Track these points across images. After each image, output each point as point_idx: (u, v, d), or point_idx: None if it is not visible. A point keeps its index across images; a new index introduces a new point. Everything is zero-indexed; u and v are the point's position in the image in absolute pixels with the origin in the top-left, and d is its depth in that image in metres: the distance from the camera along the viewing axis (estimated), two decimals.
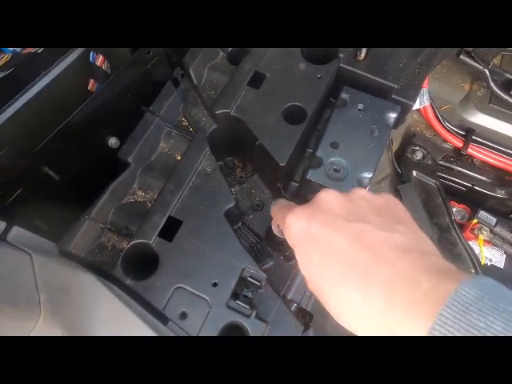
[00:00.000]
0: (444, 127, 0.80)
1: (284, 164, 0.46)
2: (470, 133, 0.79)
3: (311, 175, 0.47)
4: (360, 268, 0.25)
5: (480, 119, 0.80)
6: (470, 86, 0.83)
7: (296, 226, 0.29)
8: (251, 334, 0.39)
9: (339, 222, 0.28)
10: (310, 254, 0.28)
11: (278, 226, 0.37)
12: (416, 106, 0.78)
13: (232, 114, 0.48)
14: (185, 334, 0.39)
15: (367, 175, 0.47)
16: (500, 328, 0.19)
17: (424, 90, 0.77)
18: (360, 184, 0.47)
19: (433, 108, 0.79)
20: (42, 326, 0.32)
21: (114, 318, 0.36)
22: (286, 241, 0.37)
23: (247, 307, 0.40)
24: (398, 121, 0.54)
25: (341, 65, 0.52)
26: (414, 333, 0.22)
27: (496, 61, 0.79)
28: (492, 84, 0.75)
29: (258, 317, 0.40)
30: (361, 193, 0.31)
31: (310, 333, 0.61)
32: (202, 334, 0.39)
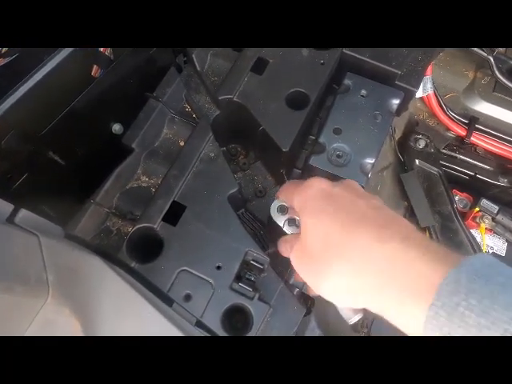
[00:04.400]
0: (447, 115, 0.79)
1: (287, 149, 0.46)
2: (473, 121, 0.78)
3: (314, 161, 0.47)
4: (376, 221, 0.27)
5: (484, 107, 0.80)
6: (474, 73, 0.82)
7: (319, 184, 0.31)
8: (254, 315, 0.40)
9: (361, 193, 0.30)
10: (326, 206, 0.29)
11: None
12: (419, 93, 0.78)
13: (235, 99, 0.48)
14: (189, 316, 0.40)
15: (370, 161, 0.47)
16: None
17: (428, 77, 0.76)
18: (362, 169, 0.47)
19: (436, 96, 0.78)
20: (51, 305, 0.33)
21: (119, 298, 0.37)
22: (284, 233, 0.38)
23: (250, 290, 0.41)
24: (401, 107, 0.54)
25: (344, 51, 0.52)
26: (429, 274, 0.22)
27: (501, 48, 0.78)
28: (497, 71, 0.74)
29: (260, 299, 0.41)
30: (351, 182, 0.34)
31: (312, 318, 0.62)
32: (206, 315, 0.40)
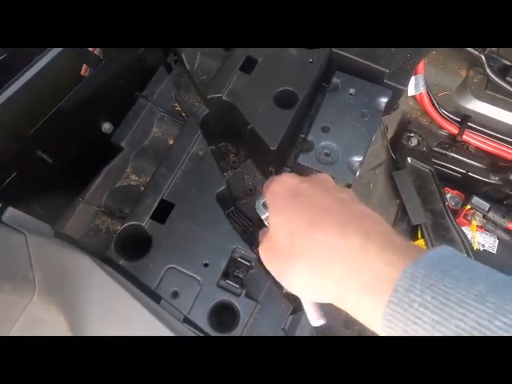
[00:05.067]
0: (440, 114, 0.79)
1: (275, 148, 0.47)
2: (465, 119, 0.79)
3: (302, 159, 0.48)
4: (341, 216, 0.27)
5: (476, 105, 0.80)
6: (466, 72, 0.82)
7: (285, 180, 0.31)
8: (241, 311, 0.41)
9: (328, 187, 0.30)
10: (291, 202, 0.29)
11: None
12: (412, 92, 0.78)
13: (224, 98, 0.49)
14: (176, 312, 0.40)
15: (357, 159, 0.48)
16: (483, 270, 0.21)
17: (420, 76, 0.77)
18: (350, 168, 0.48)
19: (429, 95, 0.79)
20: (37, 303, 0.33)
21: (107, 295, 0.37)
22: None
23: (237, 286, 0.41)
24: (390, 105, 0.54)
25: (333, 49, 0.52)
26: (387, 271, 0.23)
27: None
28: (488, 70, 0.74)
29: (248, 296, 0.42)
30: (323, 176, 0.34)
31: (304, 315, 0.62)
32: (194, 311, 0.40)
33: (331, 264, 0.25)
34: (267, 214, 0.38)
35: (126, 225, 0.43)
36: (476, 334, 0.18)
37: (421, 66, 0.76)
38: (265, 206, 0.38)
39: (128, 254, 0.43)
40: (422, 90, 0.78)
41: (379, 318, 0.22)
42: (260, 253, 0.33)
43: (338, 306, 0.26)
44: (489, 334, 0.18)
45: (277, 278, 0.30)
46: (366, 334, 0.70)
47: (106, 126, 0.51)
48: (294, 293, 0.29)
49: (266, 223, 0.38)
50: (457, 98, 0.82)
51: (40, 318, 0.34)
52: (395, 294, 0.21)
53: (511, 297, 0.19)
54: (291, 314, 0.44)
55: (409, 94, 0.79)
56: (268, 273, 0.45)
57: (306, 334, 0.65)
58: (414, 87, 0.78)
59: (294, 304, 0.45)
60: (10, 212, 0.36)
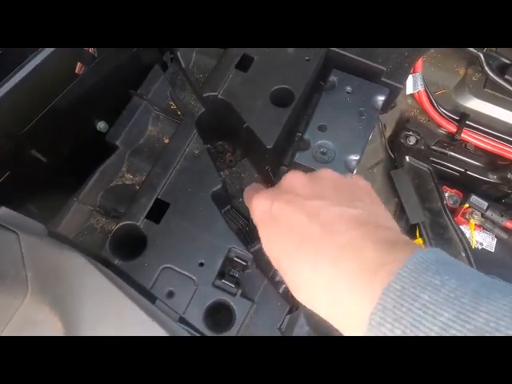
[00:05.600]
0: (438, 112, 0.79)
1: (271, 146, 0.46)
2: (463, 118, 0.78)
3: (298, 158, 0.47)
4: (312, 240, 0.26)
5: (474, 104, 0.79)
6: (465, 70, 0.82)
7: (259, 206, 0.31)
8: (237, 311, 0.40)
9: (298, 200, 0.29)
10: (271, 232, 0.29)
11: None
12: (410, 90, 0.77)
13: (219, 97, 0.48)
14: (172, 312, 0.40)
15: (354, 157, 0.47)
16: (454, 284, 0.20)
17: (418, 74, 0.76)
18: (347, 166, 0.47)
19: (427, 93, 0.78)
20: (30, 303, 0.33)
21: (101, 295, 0.37)
22: None
23: (233, 286, 0.41)
24: (387, 104, 0.54)
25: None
26: (362, 302, 0.22)
27: None
28: (486, 68, 0.74)
29: (243, 295, 0.41)
30: (325, 173, 0.32)
31: (301, 314, 0.62)
32: (189, 311, 0.40)
33: (316, 298, 0.26)
34: None
35: (120, 224, 0.43)
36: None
37: (419, 65, 0.75)
38: None
39: (123, 253, 0.42)
40: (420, 88, 0.77)
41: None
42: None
43: None
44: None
45: None
46: None
47: (101, 125, 0.50)
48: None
49: None
50: (455, 96, 0.82)
51: (33, 319, 0.33)
52: (370, 329, 0.21)
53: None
54: (288, 313, 0.44)
55: (407, 93, 0.78)
56: (264, 272, 0.45)
57: (304, 333, 0.64)
58: (413, 86, 0.78)
59: (291, 303, 0.45)
60: (3, 211, 0.36)
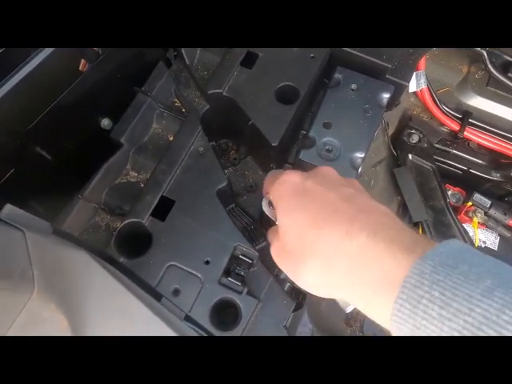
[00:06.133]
0: (441, 110, 0.79)
1: (276, 144, 0.46)
2: (466, 116, 0.78)
3: (303, 155, 0.47)
4: (347, 214, 0.27)
5: (477, 102, 0.79)
6: (467, 68, 0.82)
7: (290, 179, 0.31)
8: (243, 309, 0.40)
9: (333, 184, 0.30)
10: (298, 202, 0.29)
11: (267, 200, 0.37)
12: (413, 88, 0.77)
13: (224, 94, 0.48)
14: (178, 310, 0.40)
15: (359, 155, 0.47)
16: (492, 263, 0.21)
17: (421, 72, 0.76)
18: (352, 164, 0.47)
19: (430, 91, 0.78)
20: (36, 300, 0.33)
21: (107, 293, 0.37)
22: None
23: (239, 284, 0.41)
24: (392, 101, 0.54)
25: None
26: (395, 268, 0.22)
27: None
28: (490, 66, 0.74)
29: (249, 293, 0.41)
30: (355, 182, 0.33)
31: (304, 312, 0.62)
32: (195, 309, 0.40)
33: (339, 263, 0.25)
34: (273, 211, 0.37)
35: (125, 222, 0.42)
36: (484, 328, 0.18)
37: (422, 62, 0.75)
38: (271, 203, 0.37)
39: (128, 251, 0.42)
40: (423, 86, 0.77)
41: (388, 315, 0.22)
42: (272, 254, 0.33)
43: (350, 303, 0.26)
44: (497, 328, 0.18)
45: (290, 277, 0.31)
46: (366, 330, 0.70)
47: (105, 122, 0.50)
48: (308, 291, 0.30)
49: (274, 220, 0.38)
50: (458, 94, 0.81)
51: (39, 316, 0.33)
52: (403, 291, 0.21)
53: None
54: (293, 311, 0.43)
55: (410, 91, 0.78)
56: (270, 270, 0.45)
57: (307, 331, 0.64)
58: (416, 83, 0.77)
59: (296, 301, 0.45)
60: (9, 209, 0.35)
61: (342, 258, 0.25)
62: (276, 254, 0.32)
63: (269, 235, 0.37)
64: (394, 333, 0.22)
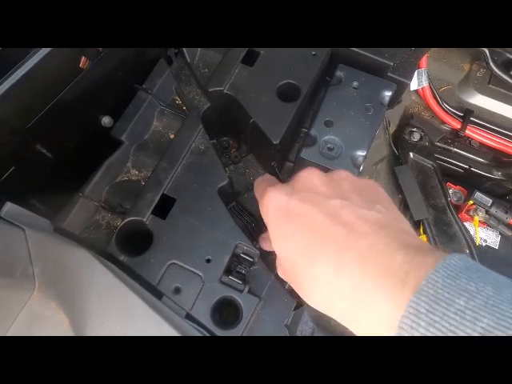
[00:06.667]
0: (442, 108, 0.79)
1: (278, 142, 0.46)
2: (468, 114, 0.78)
3: (305, 154, 0.47)
4: (335, 241, 0.25)
5: (479, 100, 0.79)
6: (469, 66, 0.82)
7: (275, 200, 0.29)
8: (244, 308, 0.40)
9: (318, 198, 0.28)
10: (286, 229, 0.28)
11: None
12: (414, 86, 0.77)
13: (225, 92, 0.48)
14: (178, 309, 0.40)
15: (361, 153, 0.47)
16: (490, 292, 0.19)
17: (423, 70, 0.76)
18: (354, 162, 0.47)
19: (431, 89, 0.78)
20: (37, 298, 0.33)
21: (108, 291, 0.37)
22: None
23: (240, 282, 0.41)
24: (394, 99, 0.54)
25: None
26: (391, 305, 0.22)
27: None
28: (492, 64, 0.74)
29: (250, 292, 0.41)
30: (343, 174, 0.31)
31: (305, 310, 0.62)
32: (196, 307, 0.40)
33: (336, 301, 0.25)
34: None
35: (126, 220, 0.42)
36: None
37: (424, 60, 0.75)
38: None
39: (129, 249, 0.42)
40: (425, 84, 0.77)
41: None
42: (279, 273, 0.33)
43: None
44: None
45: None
46: None
47: (106, 120, 0.50)
48: None
49: None
50: (459, 92, 0.81)
51: (40, 315, 0.33)
52: (401, 333, 0.21)
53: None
54: (294, 309, 0.43)
55: (411, 89, 0.78)
56: (273, 269, 0.45)
57: (308, 329, 0.64)
58: (417, 81, 0.77)
59: (297, 300, 0.45)
60: (9, 207, 0.35)
61: (337, 297, 0.25)
62: (281, 273, 0.33)
63: (260, 243, 0.37)
64: None
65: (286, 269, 0.29)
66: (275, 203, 0.29)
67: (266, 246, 0.39)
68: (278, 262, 0.32)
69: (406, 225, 0.28)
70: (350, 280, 0.24)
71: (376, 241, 0.24)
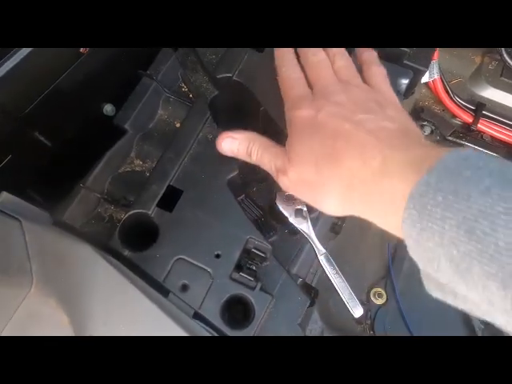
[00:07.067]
0: (453, 102, 0.77)
1: None
2: (480, 107, 0.76)
3: None
4: (360, 143, 0.29)
5: (491, 93, 0.77)
6: (481, 58, 0.80)
7: (303, 112, 0.32)
8: (256, 306, 0.38)
9: (345, 113, 0.31)
10: (312, 135, 0.31)
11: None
12: (425, 79, 0.75)
13: (234, 78, 0.46)
14: (186, 307, 0.37)
15: None
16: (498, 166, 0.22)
17: (434, 62, 0.74)
18: None
19: (442, 81, 0.76)
20: (35, 295, 0.30)
21: (111, 288, 0.34)
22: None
23: (252, 279, 0.38)
24: (409, 88, 0.51)
25: None
26: (405, 186, 0.24)
27: None
28: (505, 55, 0.71)
29: (262, 289, 0.39)
30: (360, 86, 0.35)
31: (315, 309, 0.59)
32: (205, 306, 0.38)
33: (357, 187, 0.28)
34: (292, 208, 0.40)
35: (130, 213, 0.40)
36: (480, 220, 0.20)
37: (435, 52, 0.73)
38: (287, 199, 0.37)
39: (133, 244, 0.40)
40: (436, 76, 0.75)
41: (400, 223, 0.24)
42: (285, 181, 0.34)
43: (365, 218, 0.29)
44: (491, 218, 0.20)
45: (308, 202, 0.34)
46: (377, 328, 0.68)
47: (108, 108, 0.47)
48: (326, 212, 0.32)
49: (291, 220, 0.40)
50: (471, 85, 0.79)
51: (38, 312, 0.31)
52: (411, 200, 0.23)
53: None
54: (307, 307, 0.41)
55: (422, 81, 0.75)
56: (283, 266, 0.42)
57: (318, 328, 0.62)
58: (428, 74, 0.75)
59: (310, 298, 0.43)
60: (5, 197, 0.33)
61: (359, 184, 0.28)
62: (293, 182, 0.33)
63: (276, 166, 0.37)
64: (405, 238, 0.24)
65: (302, 171, 0.31)
66: (303, 115, 0.32)
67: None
68: (282, 177, 0.34)
69: (420, 132, 0.32)
70: (373, 168, 0.27)
71: (397, 143, 0.28)
